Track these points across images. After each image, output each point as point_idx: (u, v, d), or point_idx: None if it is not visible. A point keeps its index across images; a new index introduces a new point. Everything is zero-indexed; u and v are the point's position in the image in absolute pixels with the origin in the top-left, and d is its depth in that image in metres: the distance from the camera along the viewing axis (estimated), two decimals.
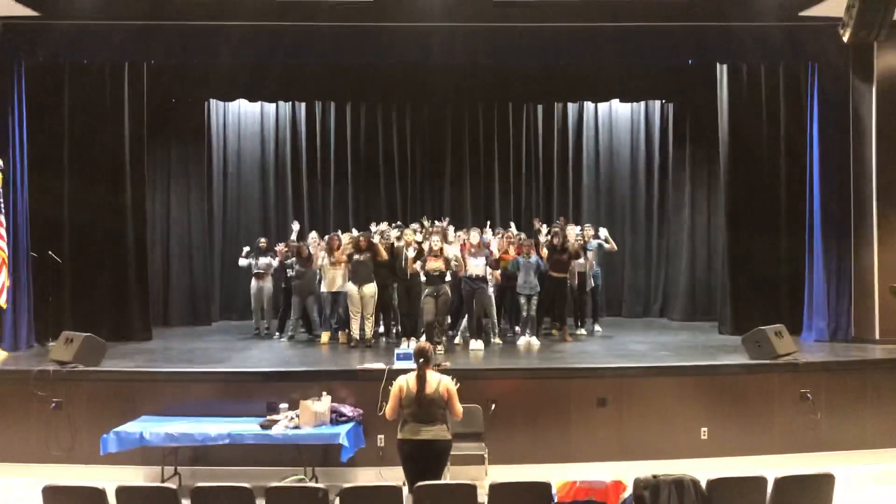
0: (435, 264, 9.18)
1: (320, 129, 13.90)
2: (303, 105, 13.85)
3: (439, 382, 5.94)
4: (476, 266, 9.59)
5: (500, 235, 11.07)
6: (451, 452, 6.34)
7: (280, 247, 11.46)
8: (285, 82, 12.64)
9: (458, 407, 6.01)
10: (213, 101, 13.39)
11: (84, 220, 10.49)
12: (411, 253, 9.70)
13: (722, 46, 10.08)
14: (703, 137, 12.77)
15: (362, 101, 13.78)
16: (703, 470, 5.92)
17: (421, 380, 5.89)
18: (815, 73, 10.14)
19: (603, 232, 11.35)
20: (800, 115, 10.48)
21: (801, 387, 8.15)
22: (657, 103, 13.87)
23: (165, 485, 6.05)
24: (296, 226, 11.46)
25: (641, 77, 12.57)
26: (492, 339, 9.97)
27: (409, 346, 8.97)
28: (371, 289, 9.75)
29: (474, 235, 9.86)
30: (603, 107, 14.06)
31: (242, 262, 11.43)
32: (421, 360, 5.93)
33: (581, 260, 10.76)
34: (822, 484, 5.42)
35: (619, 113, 14.10)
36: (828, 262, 10.03)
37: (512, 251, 10.22)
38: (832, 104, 10.06)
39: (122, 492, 5.42)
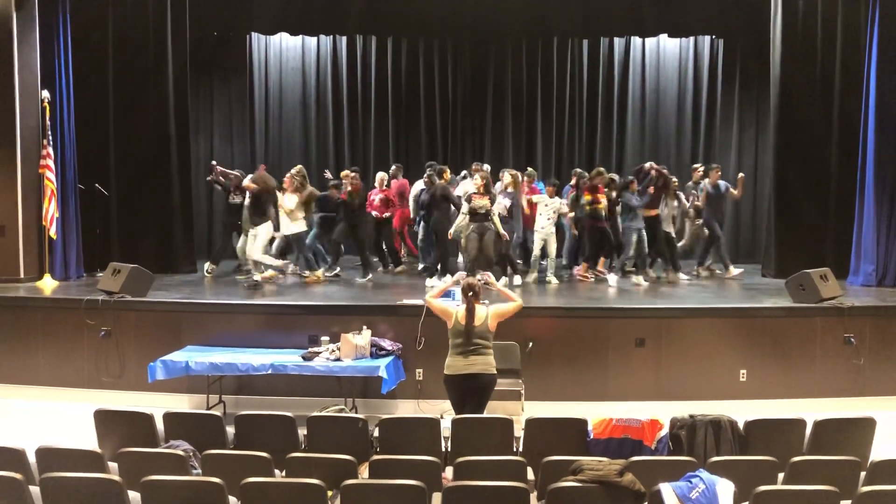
0: (480, 202, 9.08)
1: (361, 65, 13.79)
2: (344, 39, 13.72)
3: (487, 314, 6.14)
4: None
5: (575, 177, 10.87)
6: None
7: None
8: (327, 15, 12.53)
9: (511, 304, 6.28)
10: (254, 35, 13.35)
11: (129, 154, 10.64)
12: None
13: None
14: (752, 76, 12.38)
15: (403, 36, 13.60)
16: (742, 412, 5.92)
17: (470, 313, 6.08)
18: (877, 9, 9.67)
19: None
20: (857, 54, 10.02)
21: (844, 331, 8.03)
22: (707, 39, 13.43)
23: (211, 412, 6.23)
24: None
25: (692, 11, 12.16)
26: (514, 276, 9.93)
27: (440, 280, 9.22)
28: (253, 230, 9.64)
29: (506, 177, 9.90)
30: (650, 43, 13.66)
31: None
32: (470, 293, 6.12)
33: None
34: (862, 427, 5.38)
35: (666, 49, 13.69)
36: (879, 206, 9.73)
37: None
38: (893, 41, 9.62)
39: (169, 417, 5.61)
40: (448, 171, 10.24)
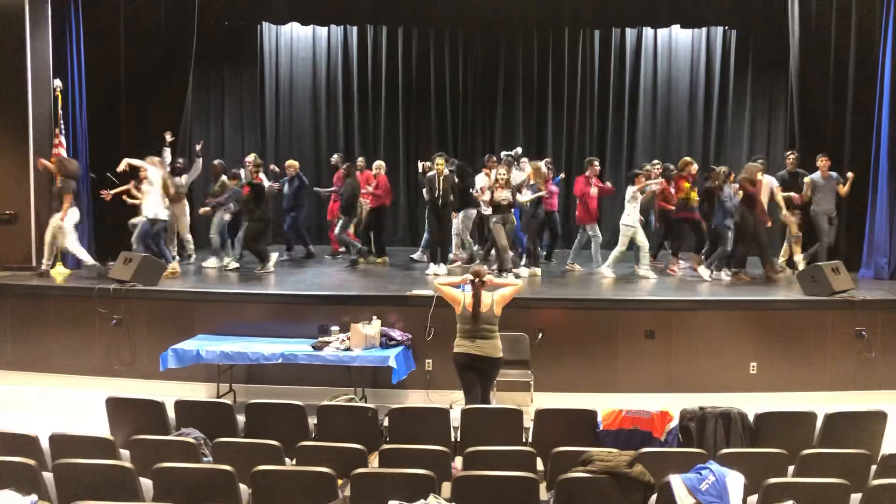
0: (503, 193, 9.22)
1: (372, 55, 13.72)
2: (354, 29, 13.66)
3: (492, 300, 6.30)
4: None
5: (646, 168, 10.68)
6: (498, 379, 6.70)
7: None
8: (337, 5, 12.52)
9: (510, 287, 6.50)
10: (265, 25, 13.33)
11: (141, 143, 10.63)
12: None
13: None
14: (764, 68, 12.27)
15: (414, 25, 13.53)
16: (752, 404, 5.91)
17: (476, 298, 6.23)
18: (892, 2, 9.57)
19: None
20: (872, 48, 9.91)
21: (856, 324, 7.99)
22: (719, 30, 13.30)
23: (221, 400, 6.26)
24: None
25: (705, 2, 12.05)
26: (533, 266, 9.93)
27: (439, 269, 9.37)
28: None
29: (527, 169, 9.92)
30: (662, 34, 13.53)
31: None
32: (476, 279, 6.28)
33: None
34: (873, 421, 5.37)
35: (678, 41, 13.56)
36: (892, 199, 9.65)
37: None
38: None
39: (180, 405, 5.65)
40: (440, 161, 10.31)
